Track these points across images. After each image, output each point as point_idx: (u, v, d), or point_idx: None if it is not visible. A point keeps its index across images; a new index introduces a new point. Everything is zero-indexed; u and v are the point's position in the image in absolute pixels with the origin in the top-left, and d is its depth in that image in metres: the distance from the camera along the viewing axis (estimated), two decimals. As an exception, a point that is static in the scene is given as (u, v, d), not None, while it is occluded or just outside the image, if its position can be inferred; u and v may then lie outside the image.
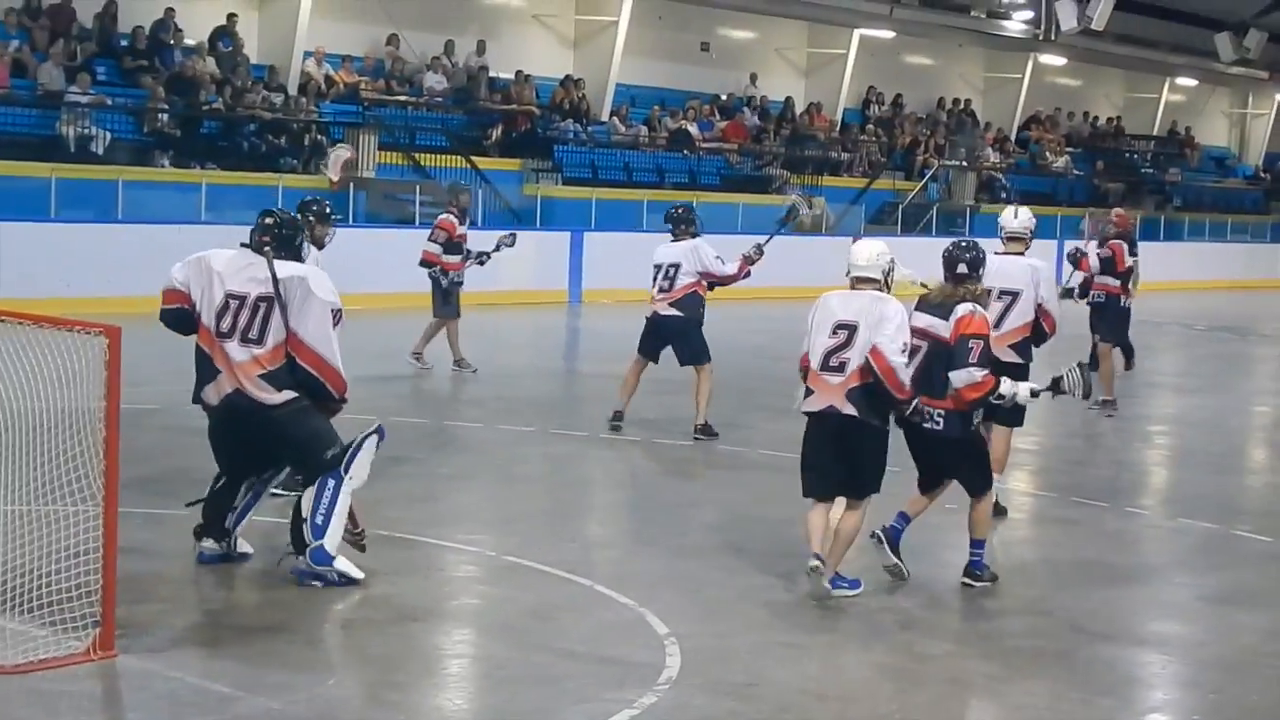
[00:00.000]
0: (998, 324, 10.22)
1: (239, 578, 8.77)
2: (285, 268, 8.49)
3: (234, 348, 8.44)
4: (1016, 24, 39.36)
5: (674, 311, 13.56)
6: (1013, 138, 42.86)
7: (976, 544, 9.27)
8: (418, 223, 26.03)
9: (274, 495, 9.30)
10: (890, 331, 8.57)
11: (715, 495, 11.62)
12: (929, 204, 36.50)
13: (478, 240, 17.99)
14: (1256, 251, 43.83)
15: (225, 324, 8.45)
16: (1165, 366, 23.96)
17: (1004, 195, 38.86)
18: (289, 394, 8.49)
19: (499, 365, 17.52)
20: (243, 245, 8.69)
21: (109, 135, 23.69)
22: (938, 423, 8.90)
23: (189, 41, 26.66)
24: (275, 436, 8.60)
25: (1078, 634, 8.56)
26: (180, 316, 8.60)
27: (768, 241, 13.92)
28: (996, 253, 10.57)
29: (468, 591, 9.05)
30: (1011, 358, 10.38)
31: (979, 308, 8.94)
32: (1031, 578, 9.98)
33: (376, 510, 10.48)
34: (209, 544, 8.89)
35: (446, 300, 17.26)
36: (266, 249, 8.53)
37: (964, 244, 9.28)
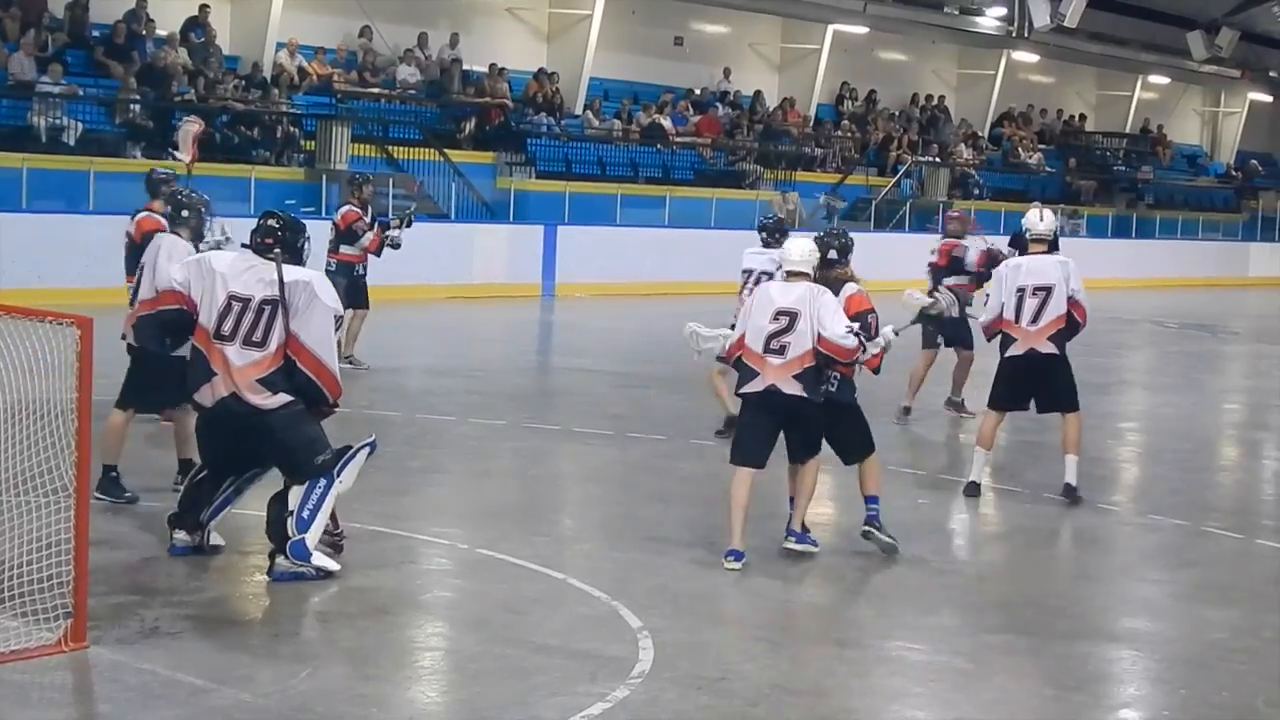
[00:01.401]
0: (1035, 319, 11.39)
1: (211, 570, 8.75)
2: (290, 272, 8.52)
3: (234, 351, 8.43)
4: (990, 21, 39.48)
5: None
6: (986, 134, 42.95)
7: (872, 500, 9.94)
8: (389, 216, 25.99)
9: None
10: (830, 319, 9.32)
11: (688, 490, 11.63)
12: (902, 200, 36.58)
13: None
14: (1227, 249, 44.08)
15: (227, 326, 8.44)
16: (1136, 364, 24.07)
17: (976, 192, 39.01)
18: (284, 398, 8.50)
19: (471, 359, 17.50)
20: (243, 246, 8.74)
21: (81, 126, 23.61)
22: (833, 385, 9.62)
23: (161, 32, 26.56)
24: (268, 440, 8.61)
25: (1049, 630, 8.59)
26: (179, 318, 8.59)
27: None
28: (1026, 253, 11.78)
29: (440, 585, 9.04)
30: (1050, 349, 11.45)
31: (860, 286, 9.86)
32: (1003, 574, 10.01)
33: (349, 504, 10.46)
34: (181, 535, 8.88)
35: (359, 292, 16.61)
36: (275, 252, 8.56)
37: (833, 231, 10.35)
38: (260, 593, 8.53)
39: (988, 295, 12.39)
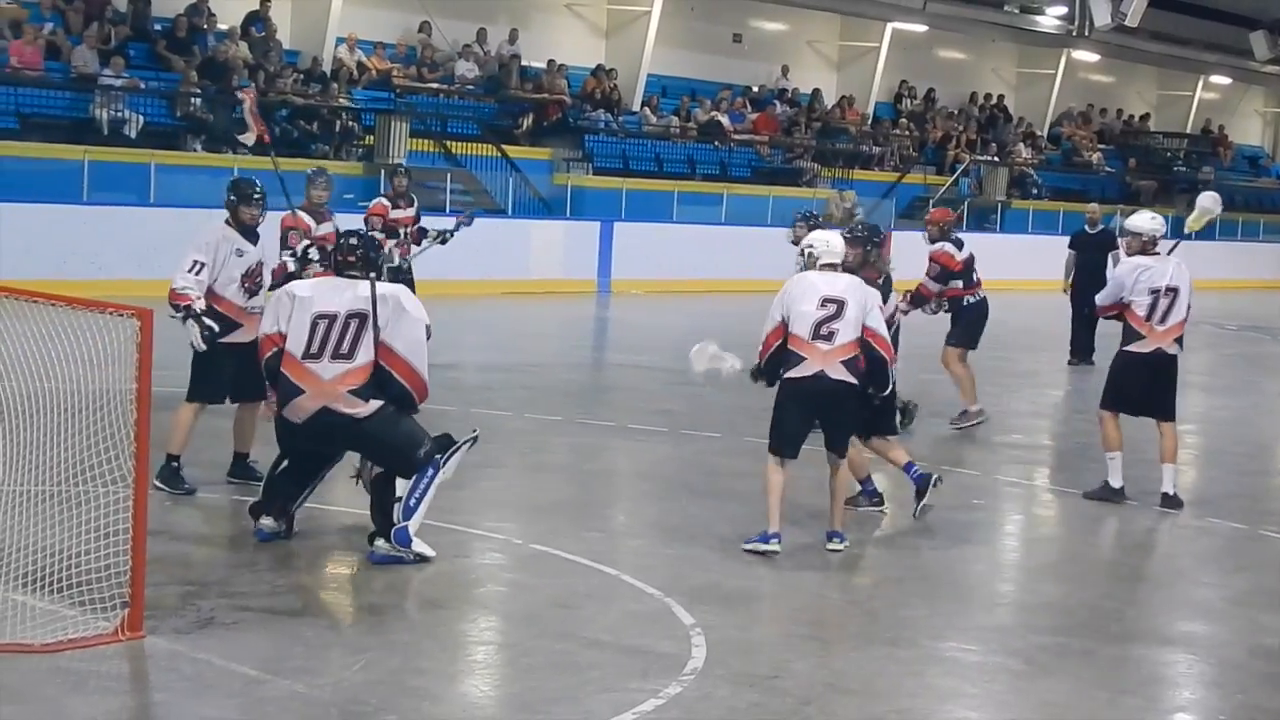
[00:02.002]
0: (1164, 318, 11.59)
1: (266, 561, 8.80)
2: (379, 288, 8.73)
3: (324, 366, 8.61)
4: (1050, 20, 39.28)
5: None
6: (1045, 134, 42.73)
7: (866, 480, 10.77)
8: (448, 210, 26.07)
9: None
10: (876, 313, 9.65)
11: (741, 487, 11.60)
12: (960, 199, 36.42)
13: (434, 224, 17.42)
14: (1288, 251, 43.69)
15: (315, 345, 8.61)
16: (1194, 366, 23.84)
17: (1035, 191, 38.81)
18: (375, 403, 8.67)
19: (527, 354, 17.54)
20: (321, 264, 8.96)
21: (141, 119, 23.78)
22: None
23: (222, 26, 26.73)
24: (370, 444, 8.87)
25: (1103, 632, 8.54)
26: (280, 357, 8.72)
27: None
28: (1143, 255, 11.78)
29: (494, 579, 9.07)
30: (1174, 351, 11.74)
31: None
32: (1057, 575, 9.96)
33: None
34: (268, 522, 9.05)
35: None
36: (357, 270, 8.76)
37: (865, 225, 11.20)
38: (315, 585, 8.59)
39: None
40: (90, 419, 7.60)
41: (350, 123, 26.82)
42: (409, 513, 8.76)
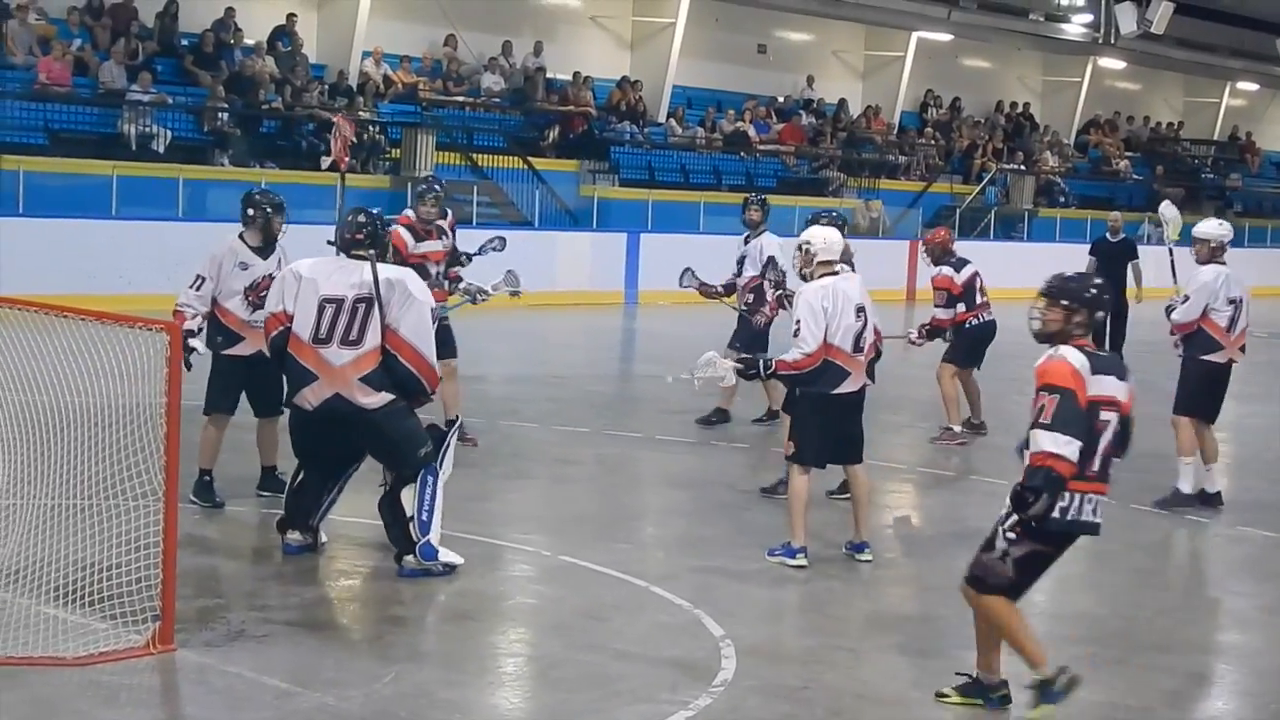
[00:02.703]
0: (1229, 327, 11.87)
1: (296, 574, 8.82)
2: (383, 270, 8.66)
3: (333, 352, 8.56)
4: (1075, 27, 39.17)
5: None
6: (1071, 142, 42.64)
7: None
8: (474, 223, 26.10)
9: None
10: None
11: (770, 498, 11.60)
12: (987, 208, 36.36)
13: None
14: (1318, 258, 43.45)
15: (323, 329, 8.56)
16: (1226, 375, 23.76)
17: (1062, 199, 38.72)
18: (386, 396, 8.64)
19: (554, 366, 17.55)
20: (329, 242, 8.87)
21: (169, 133, 23.86)
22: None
23: (249, 41, 26.81)
24: (372, 436, 8.80)
25: (1134, 641, 8.52)
26: (286, 336, 8.68)
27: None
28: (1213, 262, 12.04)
29: (523, 591, 9.07)
30: (1239, 358, 12.15)
31: None
32: (1088, 585, 9.92)
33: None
34: (295, 535, 9.07)
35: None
36: (371, 251, 8.70)
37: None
38: (345, 597, 8.60)
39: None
40: (120, 433, 7.63)
41: (377, 136, 26.88)
42: (425, 527, 8.75)
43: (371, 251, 8.71)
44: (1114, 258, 20.58)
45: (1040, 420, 6.71)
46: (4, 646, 7.06)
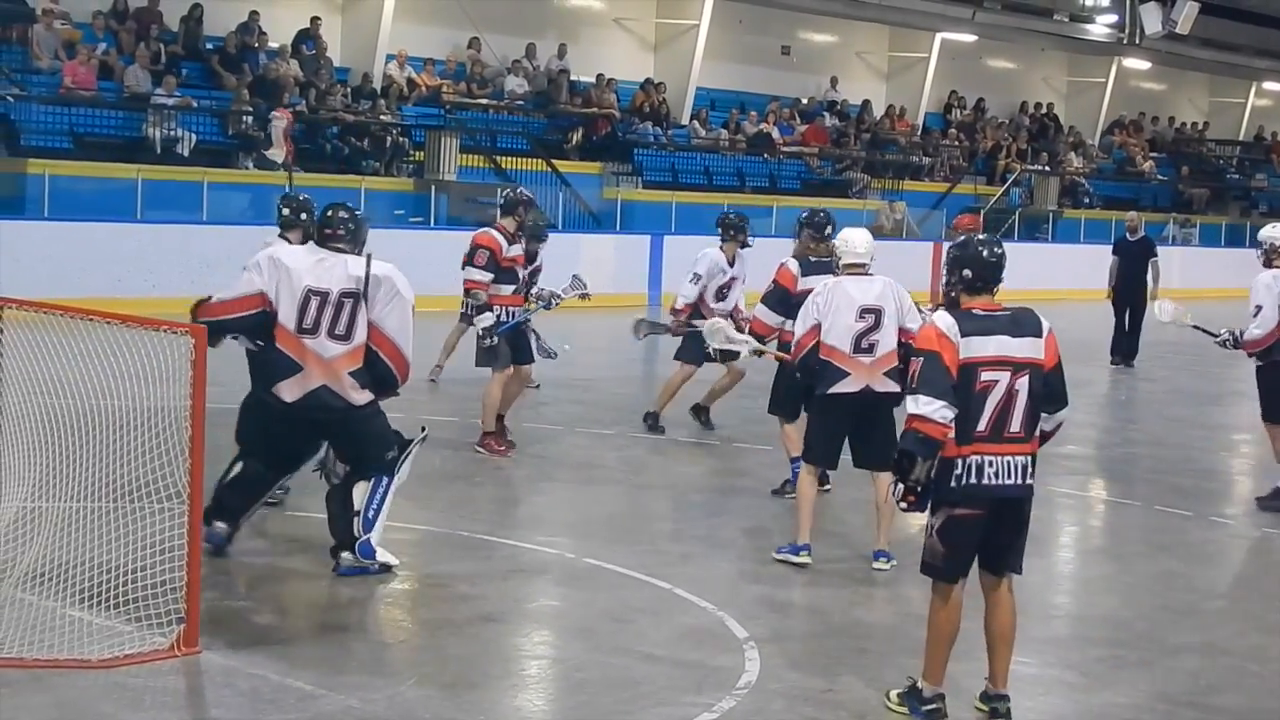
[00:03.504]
0: None
1: (320, 577, 8.82)
2: (374, 266, 8.63)
3: (321, 344, 8.51)
4: (1100, 28, 39.07)
5: None
6: (1096, 142, 42.54)
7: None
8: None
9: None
10: (914, 313, 9.61)
11: (794, 500, 11.59)
12: (1011, 209, 36.28)
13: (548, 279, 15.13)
14: (1344, 259, 43.35)
15: (308, 320, 8.51)
16: (1249, 374, 23.68)
17: (1087, 200, 38.63)
18: (369, 395, 8.64)
19: (577, 368, 17.55)
20: (280, 237, 8.83)
21: (194, 137, 23.91)
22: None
23: (273, 44, 26.88)
24: (345, 433, 8.79)
25: (1160, 644, 8.50)
26: (261, 320, 8.57)
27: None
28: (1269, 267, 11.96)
29: (546, 593, 9.07)
30: None
31: None
32: (1112, 587, 9.91)
33: (456, 512, 10.56)
34: (222, 526, 8.89)
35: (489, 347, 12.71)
36: (343, 244, 8.67)
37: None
38: (368, 600, 8.61)
39: None
40: (145, 436, 7.65)
41: (400, 139, 26.92)
42: (369, 525, 8.75)
43: (345, 245, 8.68)
44: (1135, 256, 21.12)
45: (909, 384, 6.83)
46: (29, 649, 7.09)
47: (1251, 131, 48.04)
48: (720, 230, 14.08)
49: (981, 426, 6.74)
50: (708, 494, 12.12)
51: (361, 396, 8.61)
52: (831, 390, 9.52)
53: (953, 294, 6.99)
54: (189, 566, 7.31)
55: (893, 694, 7.09)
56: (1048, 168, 38.63)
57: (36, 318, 8.16)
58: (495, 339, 12.47)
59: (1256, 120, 48.24)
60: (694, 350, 13.48)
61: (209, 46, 26.08)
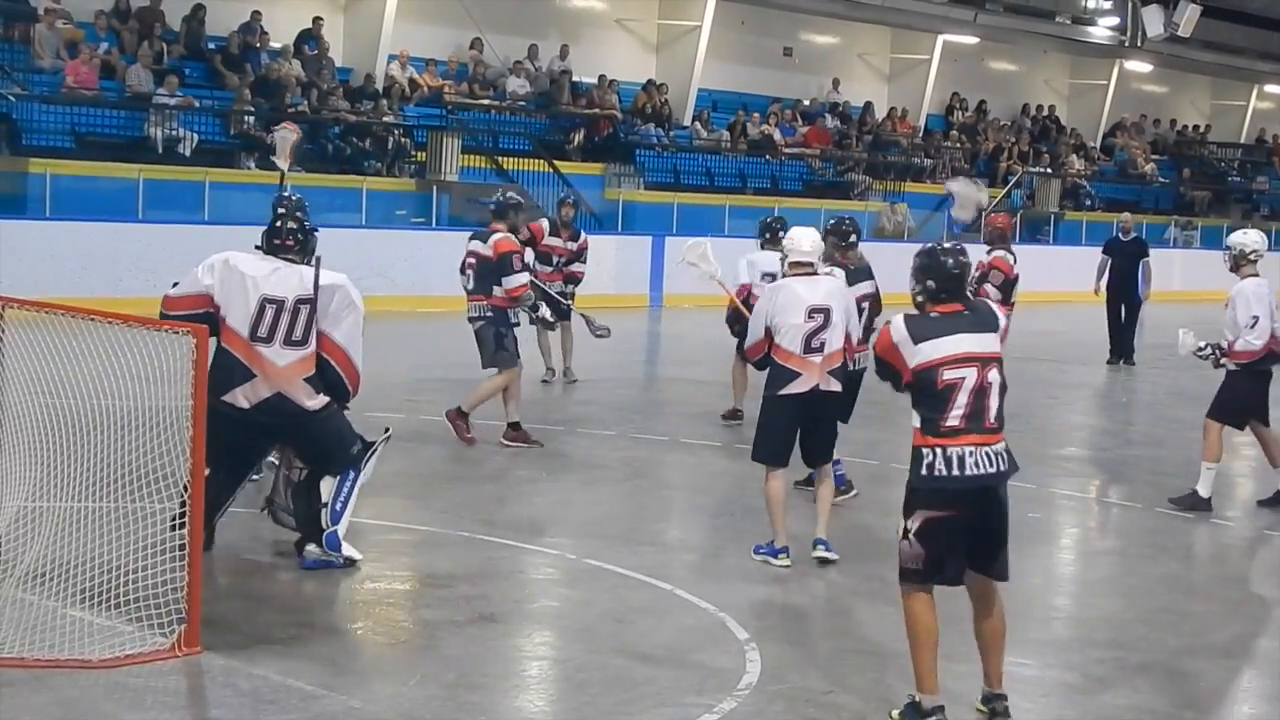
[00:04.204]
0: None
1: (321, 577, 8.82)
2: (325, 275, 8.66)
3: (275, 352, 8.52)
4: (1102, 30, 39.09)
5: None
6: (1098, 145, 42.54)
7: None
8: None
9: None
10: (854, 318, 10.05)
11: (795, 501, 11.59)
12: (1013, 211, 36.26)
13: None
14: (1345, 261, 43.32)
15: (262, 329, 8.52)
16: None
17: (1089, 203, 38.63)
18: (324, 399, 8.67)
19: (579, 369, 17.55)
20: (256, 247, 8.83)
21: (196, 137, 23.92)
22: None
23: (275, 44, 26.88)
24: (305, 438, 8.82)
25: (1161, 646, 8.49)
26: (205, 321, 8.41)
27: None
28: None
29: (547, 594, 9.07)
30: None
31: None
32: (1114, 589, 9.90)
33: (457, 513, 10.56)
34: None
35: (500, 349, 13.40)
36: (293, 253, 8.70)
37: (847, 218, 11.93)
38: (370, 600, 8.61)
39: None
40: (147, 435, 7.65)
41: (402, 139, 26.92)
42: (336, 517, 8.80)
43: (311, 259, 8.71)
44: (1128, 256, 21.61)
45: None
46: (30, 649, 7.08)
47: (1253, 134, 48.06)
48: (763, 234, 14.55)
49: (955, 421, 6.81)
50: (709, 495, 12.11)
51: (315, 401, 8.63)
52: (782, 392, 9.60)
53: (917, 300, 7.06)
54: (190, 566, 7.31)
55: (894, 713, 7.06)
56: (1049, 170, 38.65)
57: (37, 317, 8.16)
58: (511, 340, 13.20)
59: (1258, 123, 48.26)
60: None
61: (211, 46, 26.08)
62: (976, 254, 11.86)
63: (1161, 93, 46.00)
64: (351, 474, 8.86)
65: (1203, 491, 11.68)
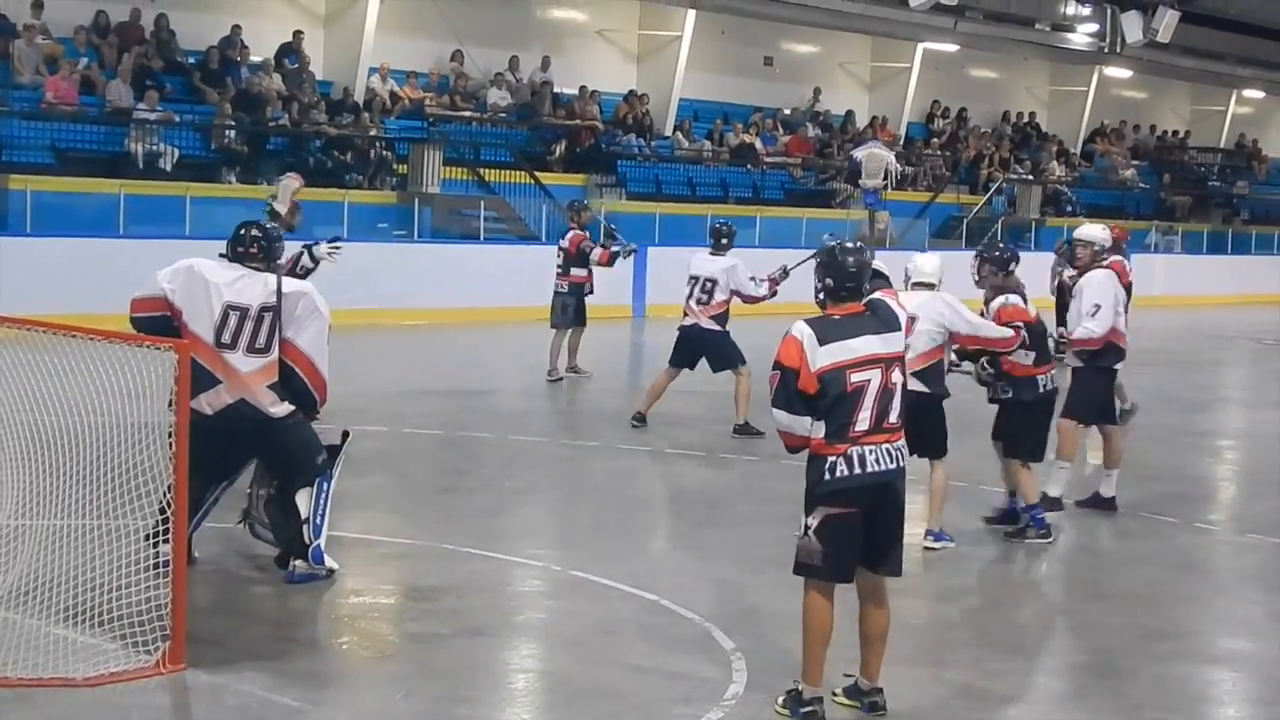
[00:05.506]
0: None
1: (306, 592, 8.80)
2: (288, 283, 8.67)
3: (239, 359, 8.50)
4: (1081, 37, 39.17)
5: (713, 325, 14.08)
6: (1078, 151, 42.63)
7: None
8: (482, 238, 26.11)
9: None
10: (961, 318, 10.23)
11: (781, 511, 11.58)
12: (994, 218, 36.34)
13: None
14: (1327, 264, 43.42)
15: (226, 336, 8.50)
16: (1234, 381, 23.80)
17: (1070, 209, 38.70)
18: (289, 406, 8.64)
19: (564, 380, 17.55)
20: (220, 255, 8.82)
21: (177, 152, 23.88)
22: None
23: (255, 58, 26.85)
24: (270, 446, 8.79)
25: (1146, 651, 8.50)
26: (160, 325, 8.51)
27: (796, 265, 14.08)
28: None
29: (534, 606, 9.06)
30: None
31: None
32: (1100, 593, 9.91)
33: (443, 524, 10.54)
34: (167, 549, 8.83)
35: (582, 310, 18.17)
36: (257, 261, 8.67)
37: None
38: (356, 614, 8.59)
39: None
40: (129, 452, 7.62)
41: (384, 152, 26.91)
42: (318, 531, 8.81)
43: (260, 262, 8.69)
44: None
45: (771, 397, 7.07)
46: (14, 668, 7.05)
47: (1233, 139, 48.18)
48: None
49: (863, 425, 6.90)
50: (694, 505, 12.11)
51: (280, 409, 8.60)
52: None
53: (819, 299, 7.13)
54: (174, 584, 7.29)
55: (778, 700, 7.12)
56: (1030, 176, 38.72)
57: (19, 334, 8.13)
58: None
59: (1238, 128, 48.38)
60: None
61: (191, 60, 26.05)
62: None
63: (1141, 98, 46.11)
64: (325, 485, 8.84)
65: (1053, 491, 11.62)
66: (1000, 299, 10.63)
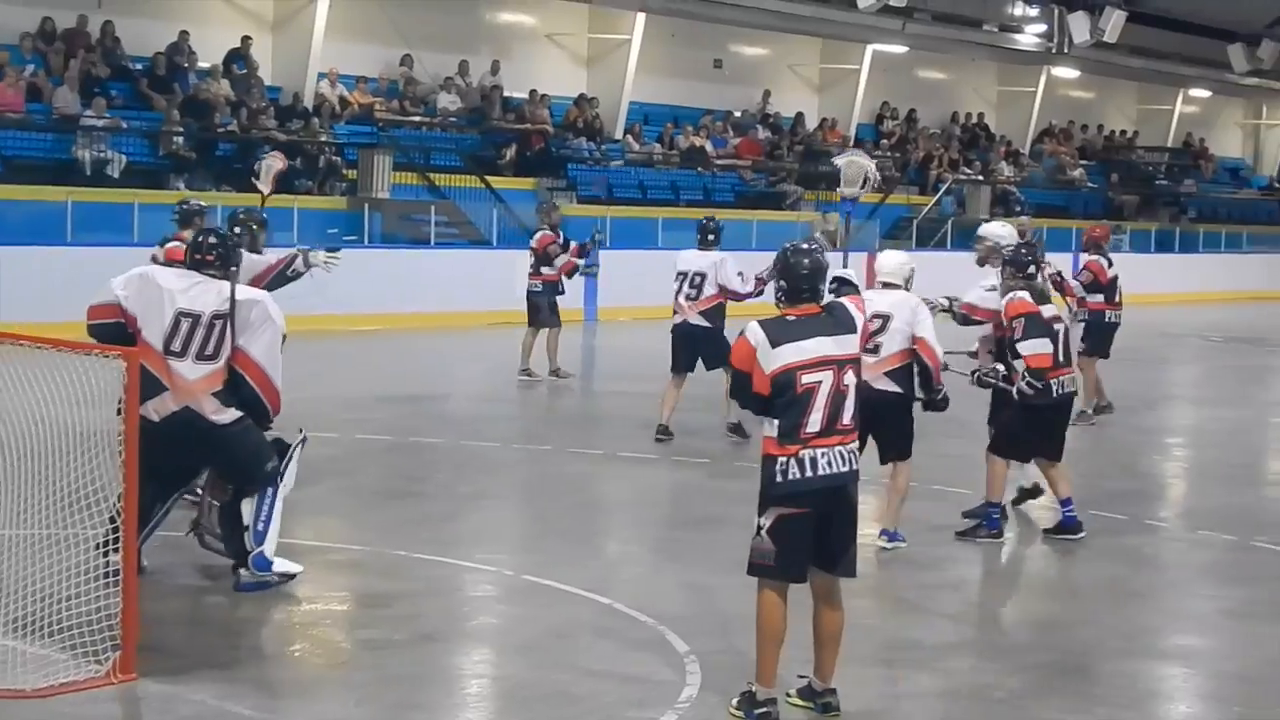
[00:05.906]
0: None
1: (258, 601, 8.75)
2: (242, 291, 8.62)
3: (187, 366, 8.45)
4: (1029, 37, 39.34)
5: (703, 321, 13.97)
6: (1027, 151, 42.83)
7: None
8: (433, 243, 26.03)
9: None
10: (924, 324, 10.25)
11: (734, 512, 11.58)
12: (944, 218, 36.47)
13: None
14: (1272, 262, 43.64)
15: (176, 343, 8.45)
16: (1183, 378, 23.96)
17: (1019, 209, 38.87)
18: (236, 412, 8.57)
19: (516, 385, 17.52)
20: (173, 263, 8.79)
21: (124, 158, 23.75)
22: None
23: (203, 64, 26.72)
24: (220, 453, 8.72)
25: (1099, 648, 8.54)
26: (115, 332, 8.48)
27: None
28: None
29: (487, 611, 9.05)
30: None
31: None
32: (1050, 592, 9.96)
33: (395, 531, 10.51)
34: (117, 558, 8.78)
35: (555, 310, 18.55)
36: (214, 269, 8.61)
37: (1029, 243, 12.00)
38: (308, 621, 8.56)
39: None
40: (78, 461, 7.57)
41: (333, 158, 26.82)
42: (260, 538, 8.73)
43: (216, 269, 8.64)
44: None
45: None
46: (-36, 679, 7.00)
47: (1180, 138, 48.49)
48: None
49: (815, 426, 6.93)
50: (646, 508, 12.12)
51: (225, 415, 8.53)
52: None
53: (777, 300, 7.16)
54: (124, 593, 7.24)
55: (732, 701, 7.13)
56: (980, 177, 38.87)
57: (-35, 344, 8.07)
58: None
59: (1185, 127, 48.70)
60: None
61: (138, 67, 25.91)
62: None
63: (1089, 98, 46.34)
64: (270, 491, 8.76)
65: (1026, 483, 11.75)
66: (1010, 295, 10.75)
